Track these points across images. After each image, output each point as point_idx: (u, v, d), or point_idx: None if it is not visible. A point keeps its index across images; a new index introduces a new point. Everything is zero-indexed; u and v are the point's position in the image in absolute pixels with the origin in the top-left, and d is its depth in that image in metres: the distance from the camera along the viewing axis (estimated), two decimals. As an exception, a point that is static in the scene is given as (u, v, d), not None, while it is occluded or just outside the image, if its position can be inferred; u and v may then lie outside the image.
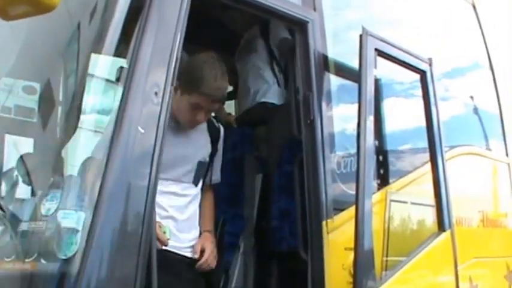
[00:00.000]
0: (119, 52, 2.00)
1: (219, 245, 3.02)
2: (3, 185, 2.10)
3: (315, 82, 2.75)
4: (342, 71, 3.02)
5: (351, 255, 2.56)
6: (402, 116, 3.49)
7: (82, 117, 1.94)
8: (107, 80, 1.99)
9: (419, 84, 3.21)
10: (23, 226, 1.92)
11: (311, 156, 2.70)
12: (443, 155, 3.22)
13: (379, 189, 3.00)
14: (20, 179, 2.06)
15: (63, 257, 1.78)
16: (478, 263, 3.65)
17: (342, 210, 2.75)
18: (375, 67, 2.76)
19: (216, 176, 3.01)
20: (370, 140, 2.66)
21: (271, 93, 3.40)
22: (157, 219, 2.35)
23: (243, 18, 3.55)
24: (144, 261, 1.90)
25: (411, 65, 3.11)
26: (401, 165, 3.44)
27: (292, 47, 3.02)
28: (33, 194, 2.01)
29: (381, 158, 3.10)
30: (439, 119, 3.22)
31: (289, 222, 3.08)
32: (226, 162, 3.12)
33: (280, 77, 3.43)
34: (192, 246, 2.81)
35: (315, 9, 2.84)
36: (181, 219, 2.77)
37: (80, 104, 1.96)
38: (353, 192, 2.62)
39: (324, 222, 2.63)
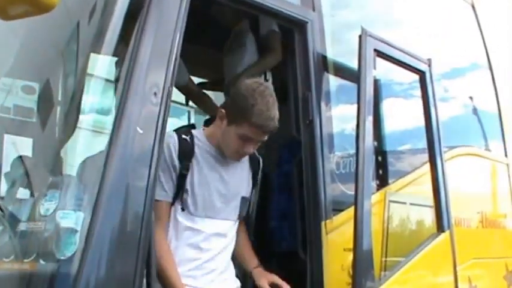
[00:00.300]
0: (118, 52, 1.99)
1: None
2: (3, 185, 2.10)
3: (314, 82, 2.75)
4: (341, 71, 3.02)
5: (350, 256, 2.56)
6: (401, 116, 3.49)
7: (81, 117, 1.94)
8: (106, 80, 1.99)
9: (418, 84, 3.21)
10: (22, 226, 1.92)
11: (310, 156, 2.71)
12: (442, 156, 3.22)
13: (378, 189, 3.01)
14: (19, 179, 2.06)
15: (62, 257, 1.78)
16: (477, 263, 3.65)
17: (341, 210, 2.75)
18: (374, 67, 2.77)
19: (252, 208, 2.73)
20: (369, 141, 2.66)
21: None
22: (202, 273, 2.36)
23: (232, 13, 3.51)
24: (143, 261, 1.91)
25: (410, 66, 3.11)
26: (401, 166, 3.44)
27: (285, 44, 3.01)
28: (32, 194, 2.00)
29: (380, 158, 3.11)
30: (438, 119, 3.22)
31: (289, 223, 3.08)
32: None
33: (268, 73, 3.40)
34: None
35: (314, 10, 2.84)
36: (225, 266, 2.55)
37: (79, 104, 1.96)
38: (352, 192, 2.62)
39: (323, 223, 2.64)
